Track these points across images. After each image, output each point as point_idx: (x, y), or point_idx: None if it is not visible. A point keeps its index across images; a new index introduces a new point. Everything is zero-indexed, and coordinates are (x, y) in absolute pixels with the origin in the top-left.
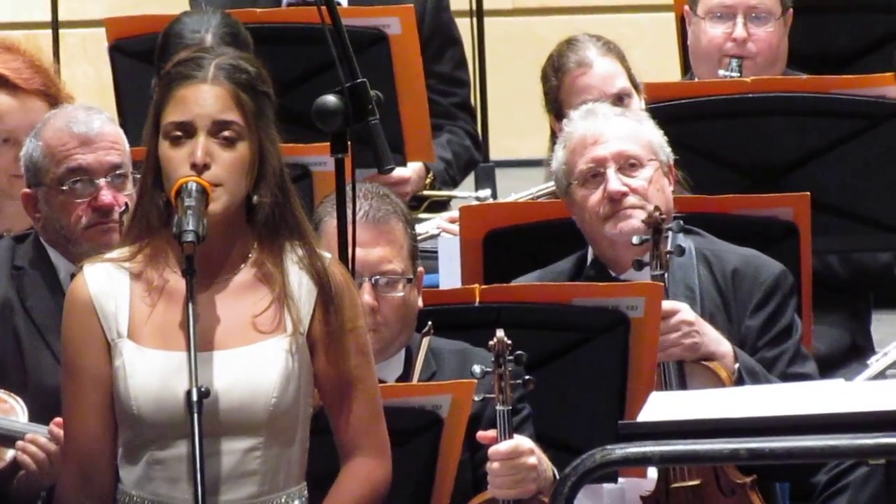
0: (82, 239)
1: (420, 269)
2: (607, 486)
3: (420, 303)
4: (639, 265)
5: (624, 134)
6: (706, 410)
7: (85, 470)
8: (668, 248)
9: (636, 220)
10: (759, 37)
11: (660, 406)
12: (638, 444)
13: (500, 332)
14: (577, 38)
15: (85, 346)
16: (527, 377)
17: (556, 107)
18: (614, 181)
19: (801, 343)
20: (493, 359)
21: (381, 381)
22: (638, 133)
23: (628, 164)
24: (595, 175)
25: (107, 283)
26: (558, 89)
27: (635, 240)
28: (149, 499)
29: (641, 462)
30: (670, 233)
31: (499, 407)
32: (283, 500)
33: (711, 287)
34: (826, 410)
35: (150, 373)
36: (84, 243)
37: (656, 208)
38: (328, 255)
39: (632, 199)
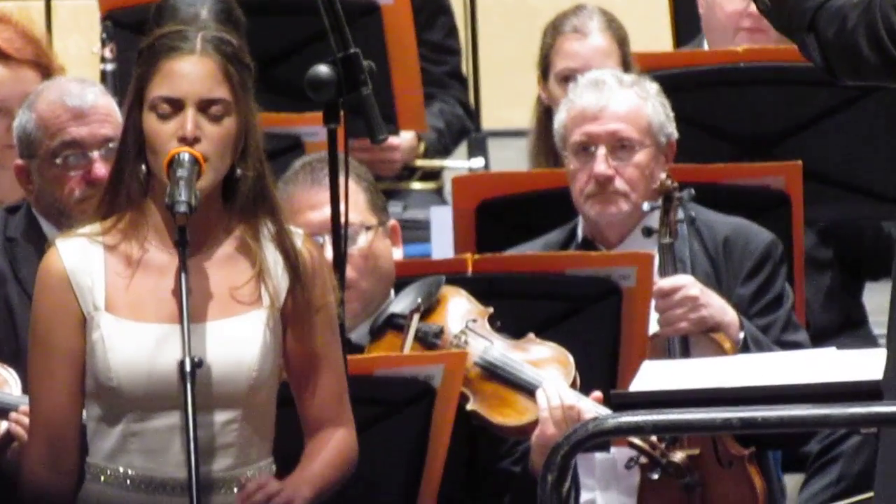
0: (75, 211)
1: (392, 222)
2: (599, 455)
3: (399, 254)
4: (647, 232)
5: (623, 113)
6: (698, 380)
7: (54, 445)
8: (679, 216)
9: (619, 205)
10: None
11: (652, 375)
12: (630, 413)
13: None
14: (586, 7)
15: (59, 321)
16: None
17: (545, 66)
18: (601, 163)
19: (793, 312)
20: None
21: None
22: (639, 114)
23: (620, 146)
24: (586, 149)
25: (82, 258)
26: (550, 48)
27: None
28: (122, 471)
29: (634, 432)
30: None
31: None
32: (250, 474)
33: (702, 256)
34: (818, 379)
35: (130, 345)
36: (77, 215)
37: (668, 176)
38: (300, 232)
39: (618, 184)
